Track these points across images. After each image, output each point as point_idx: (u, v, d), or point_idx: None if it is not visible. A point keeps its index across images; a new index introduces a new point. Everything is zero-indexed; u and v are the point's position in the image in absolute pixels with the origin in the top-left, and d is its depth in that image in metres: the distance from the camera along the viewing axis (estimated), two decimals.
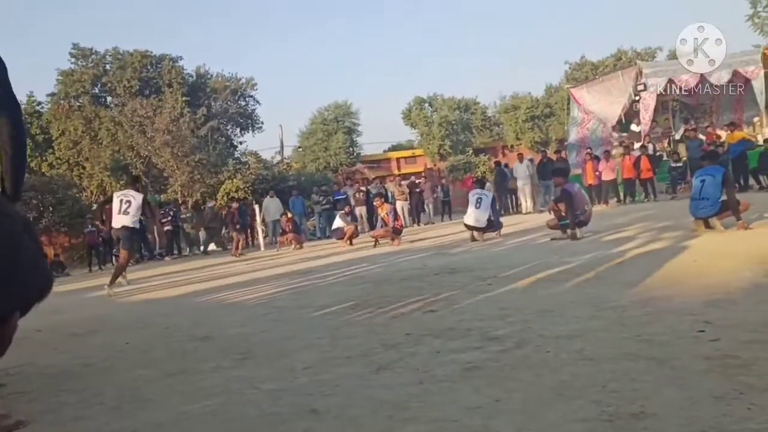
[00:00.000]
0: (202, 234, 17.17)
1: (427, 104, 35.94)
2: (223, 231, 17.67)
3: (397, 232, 10.09)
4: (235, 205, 15.91)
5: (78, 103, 26.26)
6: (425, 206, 18.42)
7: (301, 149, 35.83)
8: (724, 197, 6.02)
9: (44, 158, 25.72)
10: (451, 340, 2.68)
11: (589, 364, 2.11)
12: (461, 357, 2.38)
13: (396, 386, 2.08)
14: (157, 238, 17.36)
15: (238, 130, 30.11)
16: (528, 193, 16.46)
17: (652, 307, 2.91)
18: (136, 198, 7.13)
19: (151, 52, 27.22)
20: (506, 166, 18.07)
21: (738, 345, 2.12)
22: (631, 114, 17.27)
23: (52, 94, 26.76)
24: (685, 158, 14.50)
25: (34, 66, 48.84)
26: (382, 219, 10.48)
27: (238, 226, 14.35)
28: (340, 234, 11.62)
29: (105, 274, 12.01)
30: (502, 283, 4.30)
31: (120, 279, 7.58)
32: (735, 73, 15.60)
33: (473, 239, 8.60)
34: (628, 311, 2.90)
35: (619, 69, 20.63)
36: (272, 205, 16.70)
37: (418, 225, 17.17)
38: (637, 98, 16.48)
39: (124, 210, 7.05)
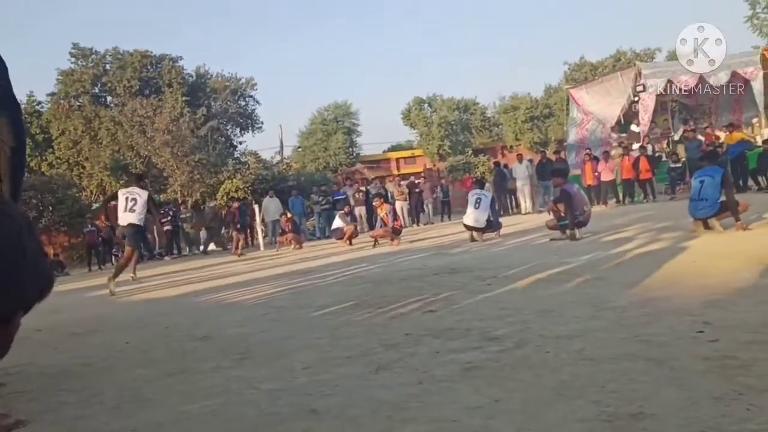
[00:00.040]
0: (203, 233, 17.19)
1: (426, 104, 35.97)
2: (223, 231, 17.68)
3: (396, 233, 10.09)
4: (235, 204, 15.92)
5: (78, 103, 26.27)
6: (424, 206, 18.43)
7: (300, 149, 35.86)
8: (723, 198, 6.03)
9: (44, 158, 25.73)
10: (451, 340, 2.68)
11: (588, 364, 2.11)
12: (461, 357, 2.38)
13: (395, 386, 2.08)
14: (157, 238, 17.36)
15: (238, 130, 30.14)
16: (527, 193, 16.47)
17: (652, 308, 2.91)
18: (142, 195, 7.17)
19: (151, 52, 27.25)
20: (505, 166, 18.10)
21: (737, 346, 2.13)
22: (630, 115, 17.29)
23: (52, 94, 26.78)
24: (684, 159, 14.52)
25: (34, 66, 48.93)
26: (382, 219, 10.48)
27: (238, 226, 14.36)
28: (339, 234, 11.63)
29: (105, 273, 12.00)
30: (502, 283, 4.30)
31: (130, 275, 7.63)
32: (734, 74, 15.62)
33: (472, 239, 8.61)
34: (627, 312, 2.90)
35: (618, 70, 20.68)
36: (272, 205, 16.71)
37: (418, 225, 17.18)
38: (636, 99, 16.50)
39: (130, 207, 7.09)
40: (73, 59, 26.67)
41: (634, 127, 17.45)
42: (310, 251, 11.48)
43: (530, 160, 17.78)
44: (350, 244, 11.26)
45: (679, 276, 3.81)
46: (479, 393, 1.92)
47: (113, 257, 15.86)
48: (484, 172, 25.02)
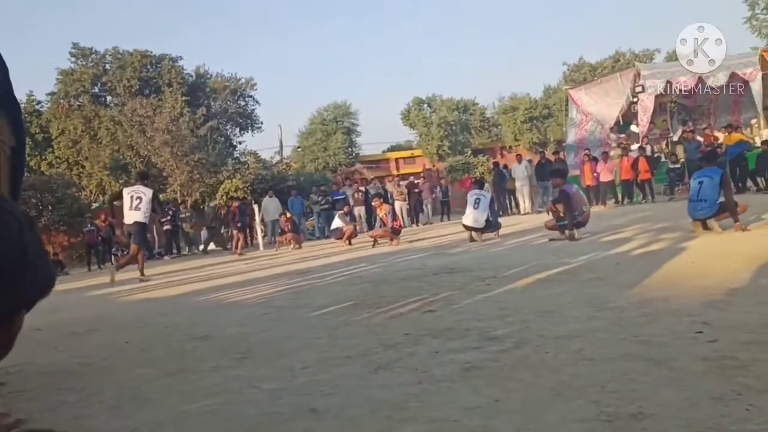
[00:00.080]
0: (204, 233, 17.19)
1: (426, 105, 35.97)
2: (223, 230, 17.69)
3: (395, 232, 10.09)
4: (235, 203, 15.92)
5: (78, 103, 26.25)
6: (424, 206, 18.44)
7: (300, 149, 35.84)
8: (722, 199, 6.04)
9: (44, 157, 25.71)
10: (450, 340, 2.68)
11: (587, 364, 2.11)
12: (460, 357, 2.38)
13: (395, 386, 2.08)
14: (156, 238, 17.37)
15: (238, 130, 30.12)
16: (526, 193, 16.49)
17: (651, 308, 2.92)
18: (147, 193, 7.27)
19: (151, 52, 27.23)
20: (505, 167, 18.11)
21: (736, 346, 2.13)
22: (629, 115, 17.31)
23: (52, 94, 26.75)
24: (682, 160, 14.55)
25: (34, 65, 48.95)
26: (381, 219, 10.48)
27: (239, 224, 14.36)
28: (338, 234, 11.63)
29: (104, 273, 12.00)
30: (501, 283, 4.30)
31: (140, 277, 7.69)
32: (733, 75, 15.64)
33: (472, 239, 8.61)
34: (626, 312, 2.90)
35: (618, 71, 20.68)
36: (271, 204, 16.71)
37: (417, 225, 17.19)
38: (635, 100, 16.51)
39: (136, 206, 7.18)
40: (73, 59, 26.67)
41: (634, 128, 17.47)
42: (310, 251, 11.48)
43: (529, 161, 17.79)
44: (349, 244, 11.26)
45: (678, 276, 3.81)
46: (478, 393, 1.92)
47: (112, 256, 15.86)
48: (483, 173, 25.01)
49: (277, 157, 33.76)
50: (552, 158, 16.43)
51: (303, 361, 2.58)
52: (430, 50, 75.73)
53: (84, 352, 3.40)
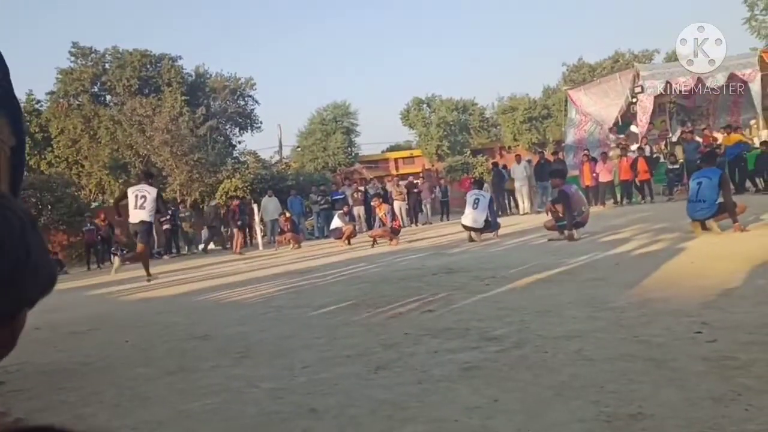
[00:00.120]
0: (204, 232, 17.19)
1: (425, 105, 35.95)
2: (223, 229, 17.68)
3: (395, 232, 10.09)
4: (235, 202, 15.91)
5: (77, 102, 26.22)
6: (423, 206, 18.44)
7: (299, 149, 35.83)
8: (720, 199, 6.05)
9: (43, 156, 25.68)
10: (450, 340, 2.69)
11: (587, 364, 2.12)
12: (459, 357, 2.38)
13: (394, 386, 2.09)
14: (156, 237, 17.35)
15: (237, 129, 30.09)
16: (525, 194, 16.48)
17: (650, 308, 2.92)
18: (151, 192, 7.32)
19: (151, 52, 27.19)
20: (504, 167, 18.10)
21: (736, 346, 2.14)
22: (628, 116, 17.31)
23: (52, 93, 26.70)
24: (681, 160, 14.56)
25: (33, 64, 48.81)
26: (380, 219, 10.49)
27: (239, 223, 14.35)
28: (338, 234, 11.63)
29: (104, 272, 12.00)
30: (500, 283, 4.31)
31: (147, 278, 7.70)
32: (732, 76, 15.64)
33: (471, 240, 8.62)
34: (625, 312, 2.91)
35: (617, 71, 20.67)
36: (270, 204, 16.70)
37: (416, 225, 17.19)
38: (634, 100, 16.52)
39: (140, 205, 7.21)
40: (72, 58, 26.62)
41: (633, 128, 17.48)
42: (309, 251, 11.48)
43: (528, 161, 17.78)
44: (349, 243, 11.26)
45: (677, 277, 3.82)
46: (478, 393, 1.92)
47: (112, 256, 15.83)
48: (482, 173, 25.01)
49: (277, 157, 33.77)
50: (551, 158, 16.42)
51: (303, 361, 2.58)
52: (430, 50, 75.77)
53: (84, 351, 3.40)
